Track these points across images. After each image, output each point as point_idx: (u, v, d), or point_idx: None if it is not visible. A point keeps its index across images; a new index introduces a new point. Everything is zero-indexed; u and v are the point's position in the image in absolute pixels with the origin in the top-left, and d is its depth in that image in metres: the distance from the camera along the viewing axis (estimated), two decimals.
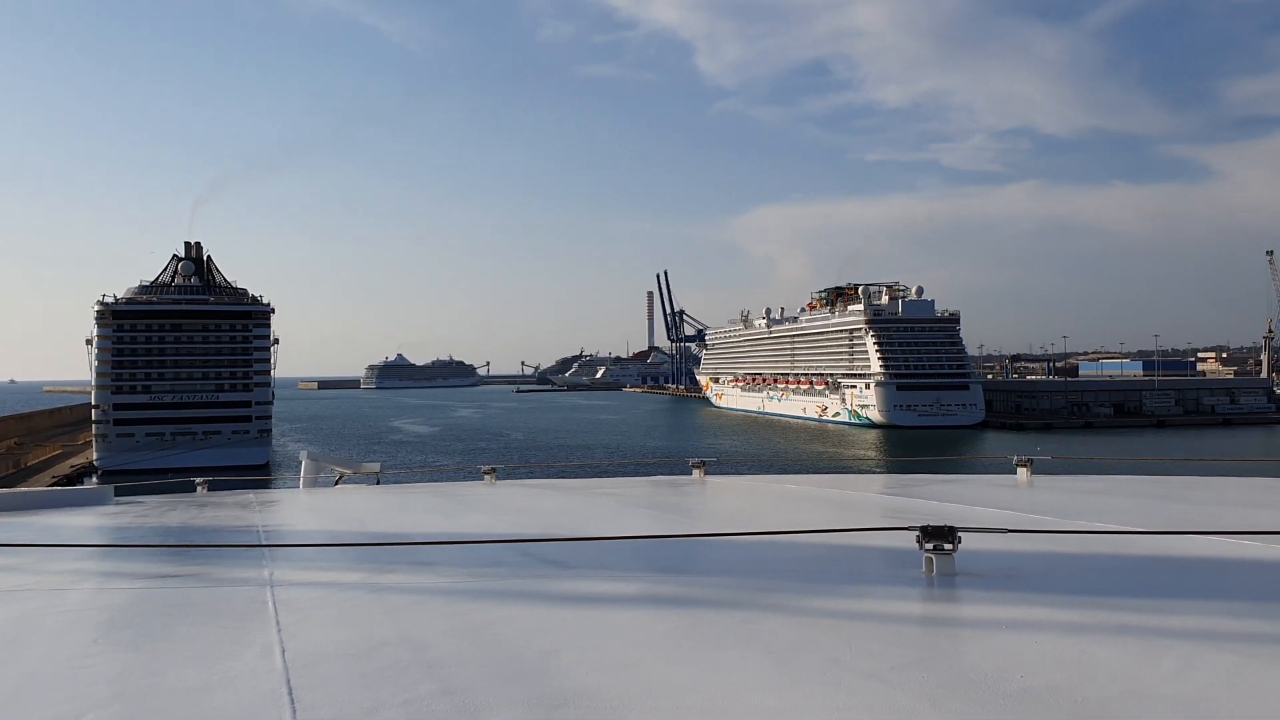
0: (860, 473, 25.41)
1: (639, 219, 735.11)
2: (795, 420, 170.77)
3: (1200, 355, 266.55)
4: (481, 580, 5.92)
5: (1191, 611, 4.75)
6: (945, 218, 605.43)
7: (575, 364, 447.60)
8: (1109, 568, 5.98)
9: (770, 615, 4.81)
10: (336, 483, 16.27)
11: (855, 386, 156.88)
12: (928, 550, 5.25)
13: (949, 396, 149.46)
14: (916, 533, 5.30)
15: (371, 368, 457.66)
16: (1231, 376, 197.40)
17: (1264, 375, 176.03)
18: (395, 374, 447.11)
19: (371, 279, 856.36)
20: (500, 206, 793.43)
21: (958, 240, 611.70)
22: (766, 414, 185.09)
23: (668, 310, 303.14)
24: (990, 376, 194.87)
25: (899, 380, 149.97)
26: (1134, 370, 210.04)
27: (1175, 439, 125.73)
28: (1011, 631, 4.34)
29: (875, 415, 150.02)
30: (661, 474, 16.23)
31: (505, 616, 4.90)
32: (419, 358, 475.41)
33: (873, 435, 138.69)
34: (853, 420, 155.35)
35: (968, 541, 5.31)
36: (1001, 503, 9.62)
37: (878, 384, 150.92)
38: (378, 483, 16.12)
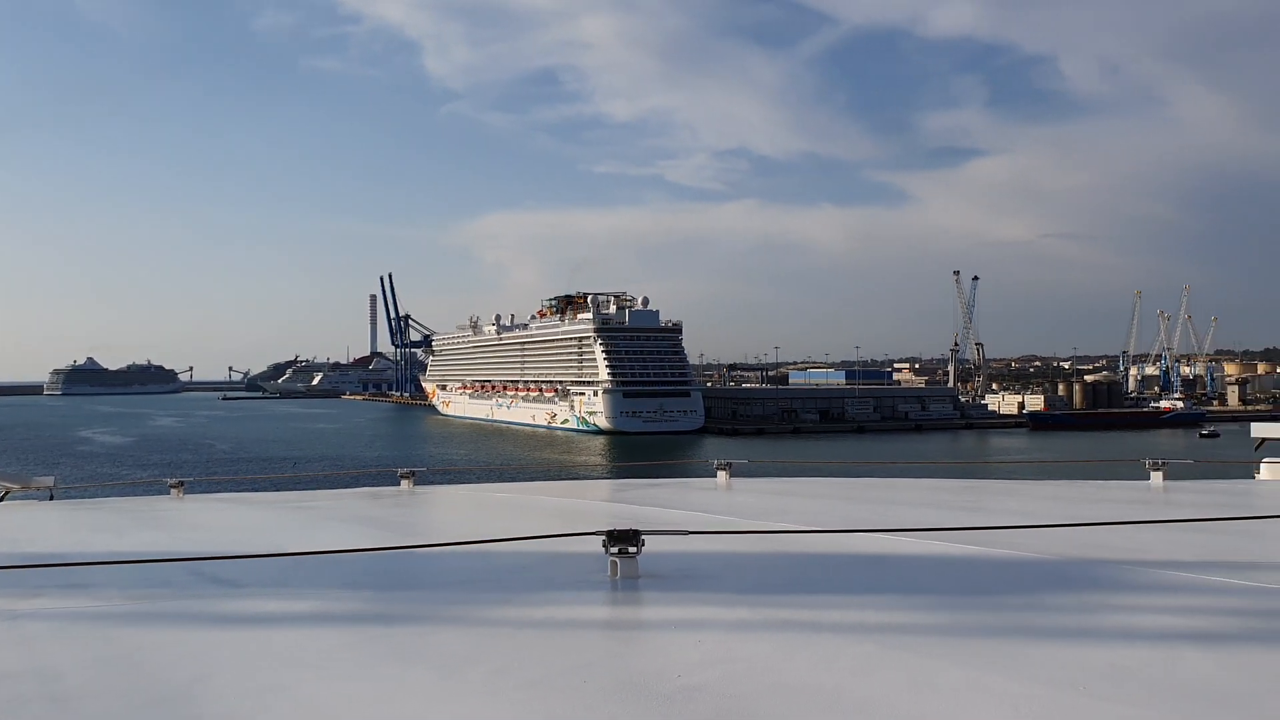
0: (578, 478, 25.69)
1: (363, 219, 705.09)
2: (524, 427, 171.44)
3: (896, 366, 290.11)
4: (139, 603, 5.44)
5: (844, 605, 5.06)
6: (670, 231, 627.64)
7: (290, 369, 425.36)
8: (780, 565, 6.30)
9: (445, 627, 4.70)
10: (1, 500, 14.55)
11: (584, 393, 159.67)
12: (613, 554, 5.31)
13: (672, 403, 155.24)
14: (603, 537, 5.35)
15: (57, 372, 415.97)
16: (923, 386, 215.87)
17: (951, 385, 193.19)
18: (85, 379, 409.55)
19: (58, 275, 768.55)
20: (211, 202, 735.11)
21: (681, 253, 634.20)
22: (495, 421, 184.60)
23: (392, 315, 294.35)
24: (709, 384, 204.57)
25: (625, 387, 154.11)
26: (838, 379, 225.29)
27: (872, 443, 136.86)
28: (679, 631, 4.46)
29: (602, 422, 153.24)
30: (373, 485, 15.68)
31: (158, 641, 4.53)
32: (113, 362, 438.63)
33: (599, 441, 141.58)
34: (581, 427, 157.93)
35: (656, 544, 5.41)
36: (697, 505, 10.01)
37: (605, 391, 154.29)
38: (51, 499, 14.53)
